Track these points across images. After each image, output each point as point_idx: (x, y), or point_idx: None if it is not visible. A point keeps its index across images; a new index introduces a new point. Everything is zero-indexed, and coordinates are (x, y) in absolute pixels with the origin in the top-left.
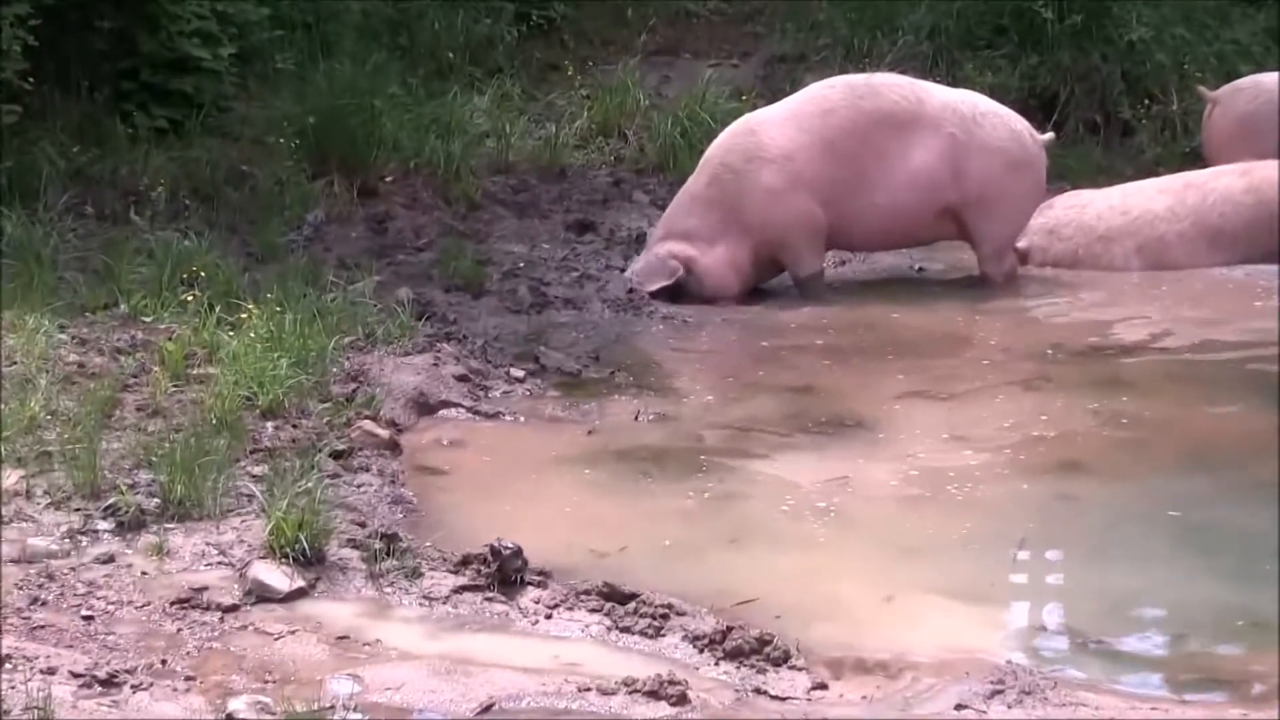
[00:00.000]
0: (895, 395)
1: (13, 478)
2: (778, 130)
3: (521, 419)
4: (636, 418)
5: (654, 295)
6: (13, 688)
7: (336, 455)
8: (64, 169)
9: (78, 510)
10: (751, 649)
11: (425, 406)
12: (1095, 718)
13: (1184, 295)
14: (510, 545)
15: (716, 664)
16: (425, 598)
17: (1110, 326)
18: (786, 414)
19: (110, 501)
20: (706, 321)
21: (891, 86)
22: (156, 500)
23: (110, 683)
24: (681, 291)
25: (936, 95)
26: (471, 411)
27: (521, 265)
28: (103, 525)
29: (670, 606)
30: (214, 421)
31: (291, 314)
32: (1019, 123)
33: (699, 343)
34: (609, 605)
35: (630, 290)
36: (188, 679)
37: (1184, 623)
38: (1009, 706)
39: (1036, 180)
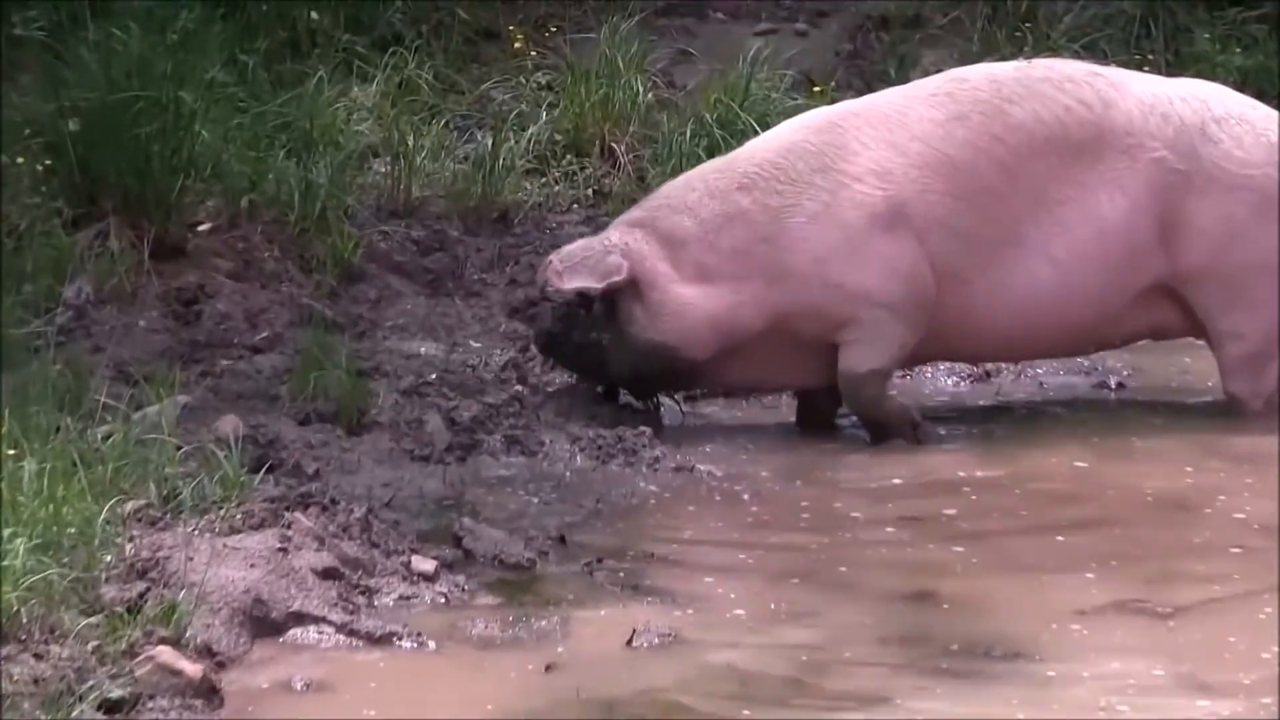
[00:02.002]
0: (1078, 607)
1: None
2: (875, 134)
3: (431, 644)
4: (630, 642)
5: (557, 311)
6: None
7: (110, 707)
8: None
9: None
10: None
11: (265, 623)
12: None
13: None
14: None
15: None
16: None
17: None
18: (890, 637)
19: None
20: (747, 472)
21: (1061, 81)
22: None
23: None
24: (607, 322)
25: (1136, 91)
26: (345, 631)
27: (432, 379)
28: None
29: None
30: None
31: (34, 461)
32: None
33: (735, 510)
34: None
35: (539, 294)
36: None
37: None
38: None
39: None
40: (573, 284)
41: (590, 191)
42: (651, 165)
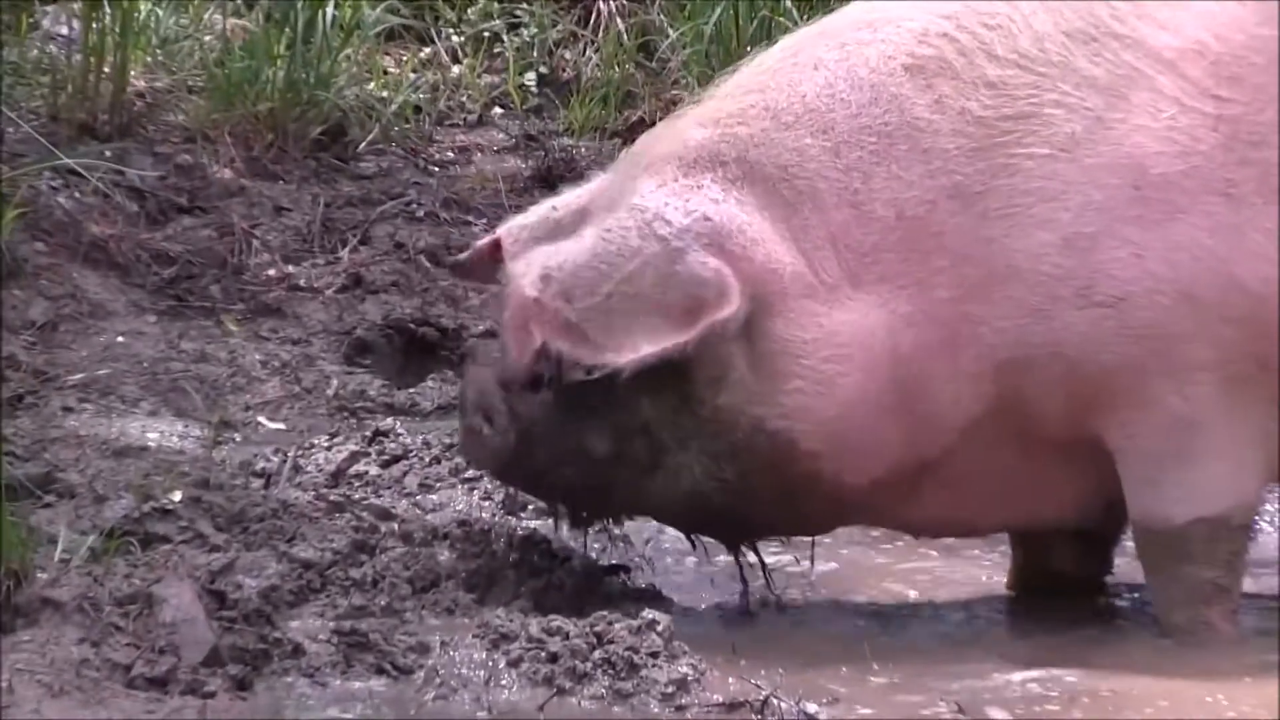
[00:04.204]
0: None
1: None
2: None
3: None
4: None
5: (586, 385)
6: None
7: None
8: None
9: None
10: None
11: None
12: None
13: None
14: None
15: None
16: None
17: None
18: None
19: None
20: (885, 708)
21: None
22: None
23: None
24: (659, 391)
25: None
26: None
27: (175, 501)
28: None
29: None
30: None
31: None
32: None
33: None
34: None
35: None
36: None
37: None
38: None
39: None
40: (639, 349)
41: (530, 82)
42: (673, 30)
